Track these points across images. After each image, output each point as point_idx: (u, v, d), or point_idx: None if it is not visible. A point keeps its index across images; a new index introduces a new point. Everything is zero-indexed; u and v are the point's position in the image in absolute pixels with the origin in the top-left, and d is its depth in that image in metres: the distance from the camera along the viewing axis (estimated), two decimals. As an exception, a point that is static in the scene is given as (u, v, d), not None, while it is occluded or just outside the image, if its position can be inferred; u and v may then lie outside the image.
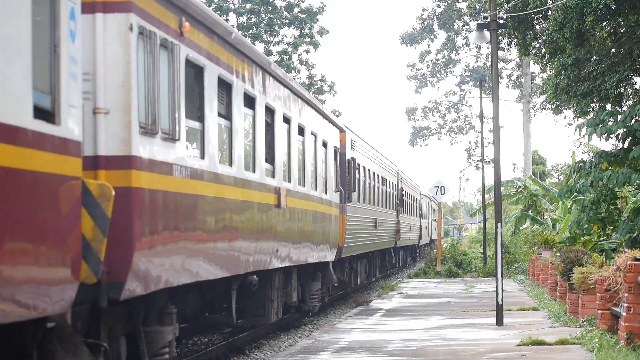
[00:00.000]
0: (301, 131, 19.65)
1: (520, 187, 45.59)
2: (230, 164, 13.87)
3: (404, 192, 42.80)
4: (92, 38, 9.88)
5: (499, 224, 20.00)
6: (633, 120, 20.78)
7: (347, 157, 25.89)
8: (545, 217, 41.41)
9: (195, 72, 12.32)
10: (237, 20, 56.10)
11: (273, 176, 16.62)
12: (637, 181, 20.69)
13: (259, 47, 55.80)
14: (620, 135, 21.99)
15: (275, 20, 56.27)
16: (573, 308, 19.62)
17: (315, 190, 20.92)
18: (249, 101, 15.11)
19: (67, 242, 8.03)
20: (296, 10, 56.37)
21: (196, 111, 12.39)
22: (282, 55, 56.48)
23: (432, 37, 70.68)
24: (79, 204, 8.33)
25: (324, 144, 22.31)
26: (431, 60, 71.88)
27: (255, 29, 55.97)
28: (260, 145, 15.78)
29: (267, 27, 56.18)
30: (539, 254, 31.39)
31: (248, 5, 55.78)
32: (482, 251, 47.06)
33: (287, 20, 56.45)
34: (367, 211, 30.36)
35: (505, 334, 17.80)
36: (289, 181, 18.03)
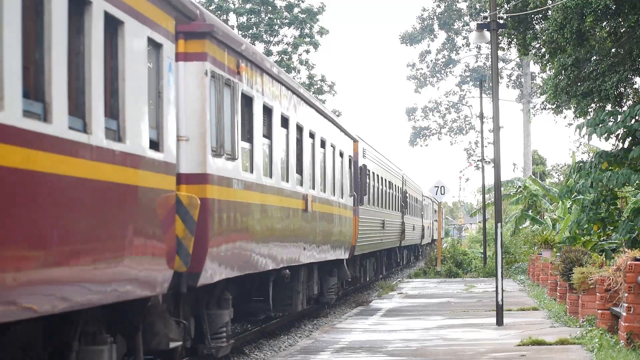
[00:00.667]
0: (323, 144, 22.41)
1: (520, 187, 45.60)
2: (271, 176, 16.71)
3: (407, 195, 45.81)
4: (176, 81, 12.22)
5: (499, 224, 20.01)
6: (633, 121, 20.78)
7: (360, 164, 28.76)
8: (545, 217, 41.41)
9: (247, 102, 15.14)
10: (237, 20, 56.12)
11: (301, 184, 19.35)
12: (637, 181, 20.69)
13: (259, 47, 55.82)
14: (620, 136, 21.99)
15: (275, 20, 56.28)
16: (573, 308, 19.63)
17: (334, 195, 23.62)
18: (284, 121, 18.00)
19: (166, 240, 11.06)
20: (296, 10, 56.38)
21: (247, 134, 15.24)
22: (282, 55, 56.49)
23: (432, 37, 70.69)
24: (174, 211, 11.48)
25: (341, 154, 25.16)
26: (431, 60, 71.88)
27: (255, 29, 55.98)
28: (292, 158, 18.60)
29: (267, 27, 56.19)
30: (539, 254, 31.40)
31: (248, 5, 55.78)
32: (482, 251, 47.07)
33: (287, 20, 56.45)
34: (376, 213, 32.91)
35: (505, 334, 17.81)
36: (314, 188, 20.74)
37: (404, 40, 70.37)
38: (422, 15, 70.34)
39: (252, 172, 15.18)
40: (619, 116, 21.09)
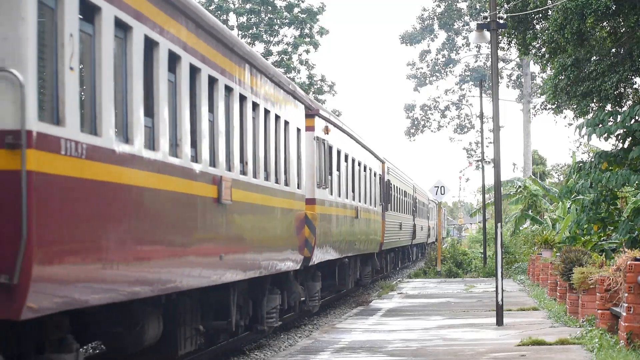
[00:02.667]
0: (365, 168, 31.05)
1: (520, 187, 45.58)
2: (346, 196, 26.46)
3: (417, 200, 53.88)
4: (296, 144, 19.94)
5: (499, 224, 20.01)
6: (632, 121, 20.76)
7: (385, 179, 37.68)
8: (545, 217, 41.39)
9: (331, 151, 24.24)
10: (237, 20, 56.10)
11: (354, 199, 28.00)
12: (637, 182, 20.67)
13: (259, 47, 55.86)
14: (619, 136, 21.97)
15: (275, 20, 56.25)
16: (573, 308, 19.62)
17: (371, 205, 32.32)
18: (345, 157, 26.81)
19: (300, 238, 19.42)
20: (296, 10, 56.35)
21: (334, 169, 24.58)
22: (282, 55, 56.48)
23: (432, 36, 70.64)
24: (304, 221, 19.96)
25: (374, 174, 33.99)
26: (431, 60, 71.83)
27: (255, 29, 55.96)
28: (350, 181, 27.56)
29: (267, 27, 56.16)
30: (539, 254, 31.39)
31: (248, 5, 55.75)
32: (482, 251, 47.07)
33: (287, 20, 56.43)
34: (396, 217, 41.39)
35: (505, 334, 17.81)
36: (361, 201, 29.58)
37: (404, 40, 70.32)
38: (422, 15, 70.32)
39: (332, 194, 23.81)
40: (619, 116, 21.08)
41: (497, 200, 20.87)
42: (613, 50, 26.60)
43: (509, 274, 40.21)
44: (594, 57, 26.81)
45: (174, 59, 12.13)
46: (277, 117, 17.83)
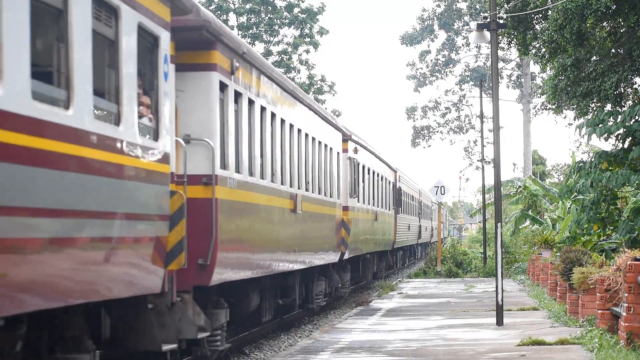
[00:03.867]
0: (382, 178, 37.15)
1: (520, 187, 45.57)
2: (369, 202, 32.41)
3: (422, 203, 59.70)
4: (336, 164, 25.87)
5: (499, 224, 20.00)
6: (632, 121, 20.75)
7: (397, 186, 42.90)
8: (545, 217, 41.38)
9: (359, 167, 29.51)
10: (237, 20, 56.10)
11: (374, 205, 33.78)
12: (637, 181, 20.66)
13: (259, 47, 55.86)
14: (619, 136, 21.96)
15: (275, 20, 56.24)
16: (573, 308, 19.62)
17: (386, 209, 38.32)
18: (368, 170, 32.44)
19: (337, 237, 24.93)
20: (296, 10, 56.34)
21: (360, 181, 29.38)
22: (282, 55, 56.47)
23: (432, 37, 70.62)
24: (341, 224, 25.58)
25: (388, 182, 39.83)
26: (431, 60, 71.80)
27: (255, 29, 55.94)
28: (373, 190, 33.84)
29: (267, 27, 56.15)
30: (539, 254, 31.39)
31: (248, 5, 55.74)
32: (482, 251, 47.06)
33: (287, 20, 56.42)
34: (405, 219, 47.03)
35: (505, 334, 17.81)
36: (379, 206, 35.45)
37: (404, 40, 70.28)
38: (422, 15, 70.29)
39: (359, 202, 29.44)
40: (619, 116, 21.07)
41: (497, 200, 20.87)
42: (613, 50, 26.60)
43: (509, 274, 40.22)
44: (594, 58, 26.81)
45: (274, 117, 18.05)
46: (325, 146, 24.00)
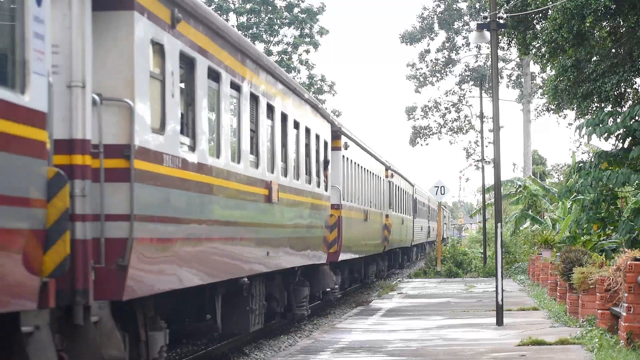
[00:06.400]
0: (405, 193, 46.99)
1: (520, 187, 45.55)
2: (399, 211, 43.48)
3: (430, 207, 69.65)
4: (382, 186, 37.90)
5: (499, 224, 20.00)
6: (632, 121, 20.75)
7: (414, 197, 53.41)
8: (545, 217, 41.38)
9: (392, 186, 40.07)
10: (237, 20, 56.09)
11: (402, 213, 43.17)
12: (637, 181, 20.67)
13: (259, 47, 55.84)
14: (619, 136, 21.96)
15: (275, 20, 56.25)
16: (573, 308, 19.62)
17: (408, 215, 48.52)
18: (399, 189, 43.18)
19: (382, 236, 35.62)
20: (296, 10, 56.35)
21: (396, 198, 41.36)
22: (282, 55, 56.46)
23: (432, 36, 70.57)
24: (384, 226, 36.12)
25: (409, 195, 50.11)
26: (431, 60, 71.75)
27: (255, 29, 55.95)
28: (401, 202, 44.02)
29: (267, 27, 56.16)
30: (539, 254, 31.38)
31: (248, 5, 55.75)
32: (482, 251, 47.06)
33: (287, 20, 56.43)
34: (419, 222, 57.62)
35: (505, 334, 17.80)
36: (403, 213, 44.94)
37: (404, 39, 70.23)
38: (422, 14, 70.26)
39: (394, 211, 39.15)
40: (619, 117, 21.07)
41: (497, 200, 20.87)
42: (613, 50, 26.59)
43: (509, 274, 40.21)
44: (594, 58, 26.80)
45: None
46: (372, 174, 33.68)
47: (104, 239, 9.61)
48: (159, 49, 11.00)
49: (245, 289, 15.30)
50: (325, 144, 22.94)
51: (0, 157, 7.34)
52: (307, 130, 20.52)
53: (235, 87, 14.39)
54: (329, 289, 23.42)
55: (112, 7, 10.07)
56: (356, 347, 16.22)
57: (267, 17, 56.23)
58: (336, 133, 25.35)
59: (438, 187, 43.49)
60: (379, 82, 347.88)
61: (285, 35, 56.89)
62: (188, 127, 12.13)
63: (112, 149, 9.87)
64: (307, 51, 57.04)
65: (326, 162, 22.74)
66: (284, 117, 18.09)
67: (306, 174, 20.14)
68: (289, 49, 56.83)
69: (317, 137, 21.67)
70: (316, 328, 21.97)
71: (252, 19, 56.10)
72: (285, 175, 17.76)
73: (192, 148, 12.09)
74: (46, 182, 8.03)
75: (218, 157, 13.35)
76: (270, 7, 55.98)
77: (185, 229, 11.65)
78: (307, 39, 56.69)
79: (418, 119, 74.32)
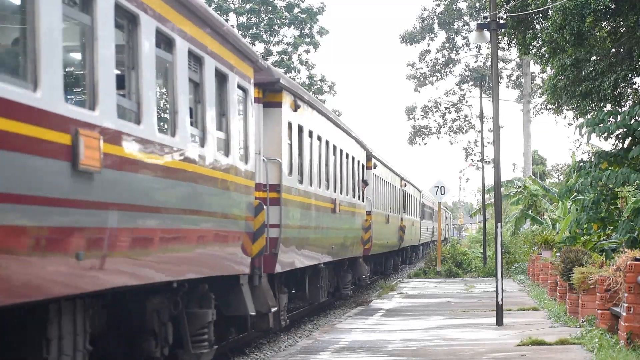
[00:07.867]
0: (413, 199, 52.59)
1: (520, 187, 45.56)
2: (411, 214, 51.18)
3: (434, 210, 73.50)
4: (399, 194, 44.74)
5: (499, 224, 20.00)
6: (632, 120, 20.74)
7: (421, 202, 59.37)
8: (545, 217, 41.38)
9: (405, 193, 48.44)
10: (237, 20, 56.07)
11: (412, 215, 49.89)
12: (637, 181, 20.66)
13: (259, 47, 55.84)
14: (619, 135, 21.95)
15: (275, 20, 56.24)
16: (573, 308, 19.62)
17: (416, 217, 53.76)
18: (409, 195, 50.10)
19: (398, 236, 42.02)
20: (296, 10, 56.34)
21: (408, 202, 49.72)
22: (282, 55, 56.45)
23: (432, 36, 70.54)
24: (400, 227, 42.33)
25: (417, 200, 55.40)
26: (431, 60, 71.72)
27: (255, 29, 55.94)
28: (411, 206, 51.61)
29: (267, 27, 56.14)
30: (539, 254, 31.38)
31: (248, 5, 55.73)
32: (482, 251, 47.07)
33: (287, 20, 56.42)
34: (425, 223, 64.33)
35: (505, 334, 17.80)
36: (413, 216, 51.30)
37: (404, 39, 70.20)
38: (422, 14, 70.22)
39: (407, 214, 46.88)
40: (619, 116, 21.06)
41: (497, 200, 20.87)
42: (613, 50, 26.59)
43: (509, 274, 40.21)
44: (594, 57, 26.80)
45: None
46: (391, 186, 38.89)
47: (268, 238, 16.68)
48: (289, 126, 18.94)
49: (320, 272, 22.74)
50: (362, 166, 31.09)
51: (238, 196, 14.16)
52: (353, 159, 28.34)
53: (318, 138, 22.38)
54: (363, 276, 30.49)
55: (269, 105, 17.95)
56: (356, 347, 16.22)
57: (267, 17, 56.22)
58: (368, 156, 33.00)
59: (438, 187, 43.50)
60: (379, 82, 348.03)
61: (285, 36, 56.91)
62: (301, 170, 19.96)
63: (272, 187, 17.63)
64: (307, 51, 57.04)
65: (365, 182, 30.94)
66: (341, 152, 25.93)
67: (352, 190, 27.64)
68: (289, 49, 56.83)
69: (358, 162, 29.73)
70: (316, 328, 21.97)
71: (252, 19, 56.10)
72: (341, 192, 25.33)
73: (301, 181, 19.83)
74: (254, 207, 15.18)
75: (311, 184, 20.94)
76: (270, 7, 55.97)
77: (300, 232, 19.26)
78: (307, 39, 56.68)
79: (418, 119, 74.32)
